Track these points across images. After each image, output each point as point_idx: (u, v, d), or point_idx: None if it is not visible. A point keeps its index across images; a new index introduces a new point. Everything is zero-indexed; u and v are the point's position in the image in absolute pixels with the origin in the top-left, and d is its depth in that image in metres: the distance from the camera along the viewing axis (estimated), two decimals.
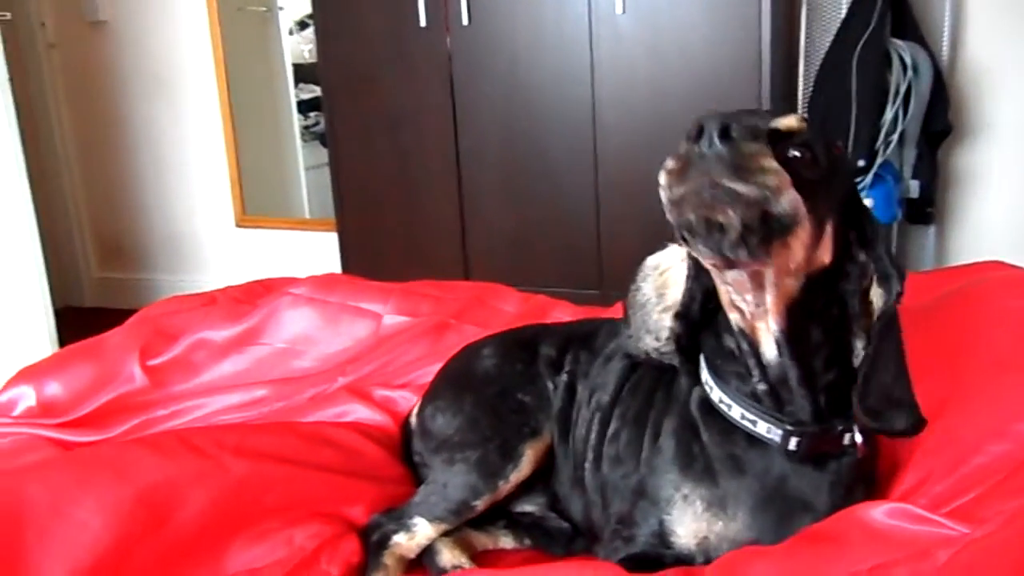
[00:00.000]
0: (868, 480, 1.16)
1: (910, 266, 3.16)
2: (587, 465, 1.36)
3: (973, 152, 3.29)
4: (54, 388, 1.80)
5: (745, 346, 1.09)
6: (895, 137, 2.97)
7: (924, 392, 1.20)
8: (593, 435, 1.36)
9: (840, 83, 2.98)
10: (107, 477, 1.26)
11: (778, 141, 0.96)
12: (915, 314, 1.22)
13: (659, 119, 3.12)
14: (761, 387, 1.09)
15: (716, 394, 1.14)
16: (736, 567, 0.99)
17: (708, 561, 1.10)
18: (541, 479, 1.43)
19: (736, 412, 1.11)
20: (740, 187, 0.89)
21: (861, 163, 2.94)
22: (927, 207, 3.15)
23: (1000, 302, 1.39)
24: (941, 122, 3.06)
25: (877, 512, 0.94)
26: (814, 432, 1.08)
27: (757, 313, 1.05)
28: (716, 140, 0.89)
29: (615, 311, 1.85)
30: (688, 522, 1.13)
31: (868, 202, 2.94)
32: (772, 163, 0.91)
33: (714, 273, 1.06)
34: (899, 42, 2.96)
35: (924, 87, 2.96)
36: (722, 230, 0.91)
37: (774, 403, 1.09)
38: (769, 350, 1.07)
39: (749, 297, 1.03)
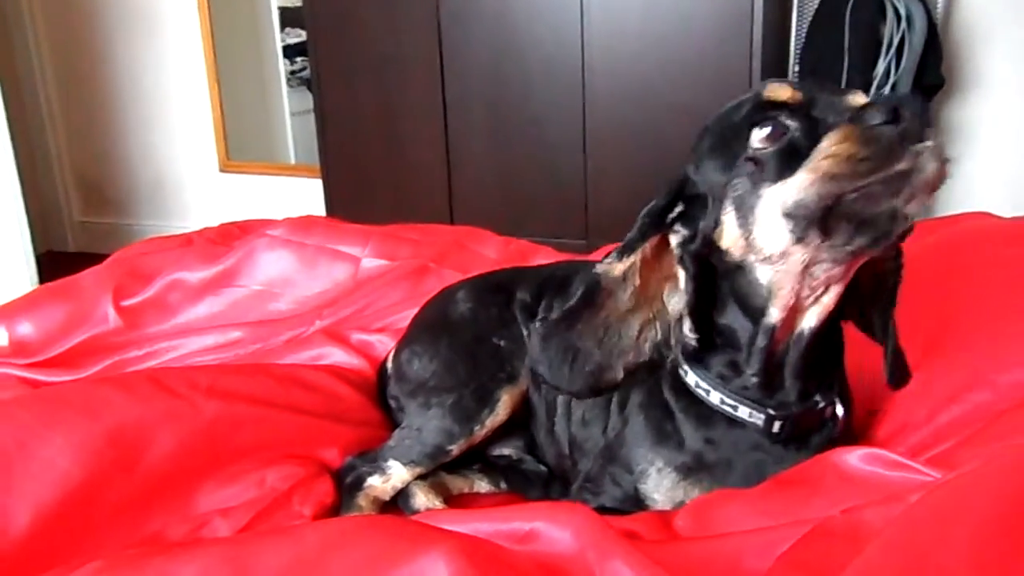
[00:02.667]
0: (850, 442, 1.13)
1: None
2: (557, 419, 1.36)
3: (964, 106, 3.26)
4: (26, 328, 1.77)
5: (763, 343, 1.02)
6: (887, 89, 2.93)
7: (908, 341, 1.19)
8: None
9: (833, 34, 2.93)
10: (75, 416, 1.23)
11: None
12: None
13: (649, 66, 3.07)
14: (754, 379, 1.05)
15: (692, 378, 1.09)
16: (709, 509, 0.98)
17: None
18: (519, 423, 1.42)
19: (715, 397, 1.07)
20: (938, 169, 0.85)
21: None
22: None
23: (984, 251, 1.38)
24: (934, 75, 3.02)
25: (852, 457, 0.93)
26: (797, 412, 1.05)
27: (813, 305, 1.00)
28: (910, 117, 0.84)
29: (596, 256, 1.83)
30: (664, 490, 1.12)
31: None
32: None
33: (794, 275, 0.96)
34: None
35: (918, 39, 2.92)
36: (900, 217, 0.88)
37: (764, 392, 1.05)
38: (795, 344, 1.02)
39: (834, 289, 0.98)
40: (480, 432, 1.34)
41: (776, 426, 1.05)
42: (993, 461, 0.68)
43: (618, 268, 1.04)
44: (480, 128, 3.38)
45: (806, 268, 0.94)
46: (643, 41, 3.05)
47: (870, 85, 2.92)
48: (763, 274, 0.97)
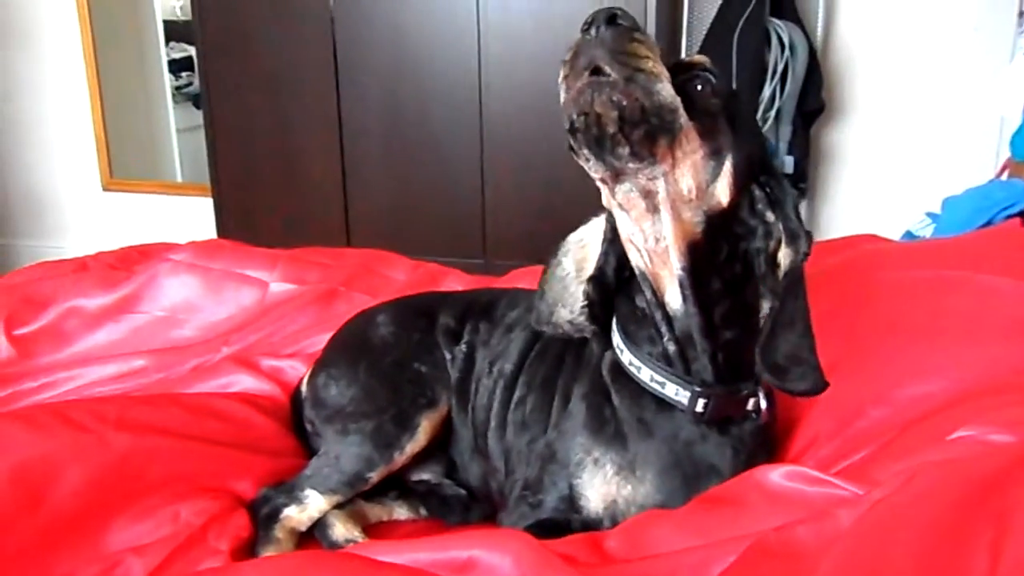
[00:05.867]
0: (768, 446, 1.19)
1: None
2: (490, 432, 1.35)
3: (841, 130, 3.43)
4: None
5: (650, 295, 1.09)
6: (772, 114, 3.06)
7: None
8: (496, 403, 1.35)
9: (721, 60, 3.05)
10: None
11: (680, 72, 0.99)
12: None
13: (545, 89, 3.10)
14: (671, 347, 1.10)
15: (627, 356, 1.14)
16: (639, 530, 1.00)
17: (615, 523, 1.11)
18: (438, 447, 1.42)
19: (646, 374, 1.12)
20: (616, 69, 0.92)
21: None
22: (801, 182, 3.27)
23: (878, 273, 1.46)
24: (815, 100, 3.18)
25: (775, 475, 0.97)
26: (720, 394, 1.10)
27: (657, 251, 1.05)
28: (602, 26, 0.93)
29: (508, 280, 1.85)
30: (598, 485, 1.14)
31: None
32: (648, 52, 0.94)
33: (607, 198, 1.05)
34: (777, 21, 3.05)
35: (800, 66, 3.07)
36: (602, 123, 0.93)
37: (682, 363, 1.10)
38: (673, 297, 1.08)
39: (647, 226, 1.03)
40: (400, 459, 1.33)
41: (700, 404, 1.09)
42: (917, 480, 0.73)
43: (573, 235, 1.22)
44: (376, 147, 3.37)
45: (612, 197, 1.03)
46: (539, 61, 3.10)
47: (757, 109, 3.04)
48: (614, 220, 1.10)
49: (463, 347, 1.42)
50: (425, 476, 1.46)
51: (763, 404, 1.13)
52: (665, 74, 0.95)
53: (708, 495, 1.04)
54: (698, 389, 1.09)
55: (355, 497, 1.36)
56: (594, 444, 1.16)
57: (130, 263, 1.92)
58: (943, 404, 1.12)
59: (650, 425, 1.13)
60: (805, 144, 3.25)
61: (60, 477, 1.18)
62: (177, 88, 4.18)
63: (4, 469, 1.16)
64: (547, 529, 1.12)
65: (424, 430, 1.34)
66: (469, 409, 1.39)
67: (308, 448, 1.47)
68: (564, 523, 1.14)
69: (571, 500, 1.15)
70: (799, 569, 0.69)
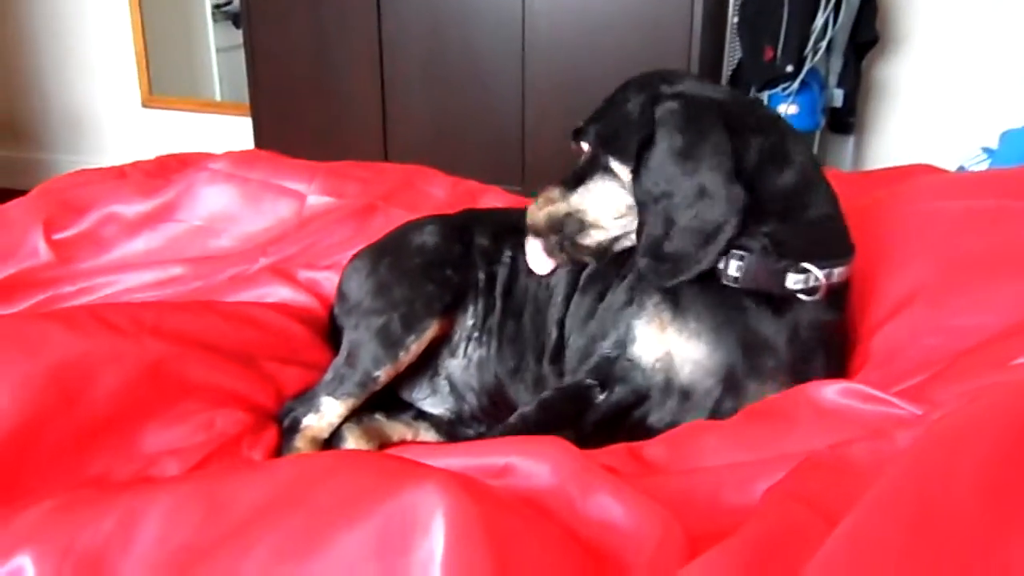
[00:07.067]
0: (830, 351, 1.16)
1: None
2: (559, 300, 1.34)
3: (894, 62, 3.32)
4: None
5: None
6: (824, 44, 2.96)
7: (865, 288, 1.21)
8: (563, 281, 1.35)
9: None
10: (14, 352, 1.16)
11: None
12: (851, 214, 1.23)
13: (590, 12, 3.04)
14: None
15: None
16: (684, 440, 0.98)
17: (670, 382, 1.11)
18: (452, 386, 1.42)
19: None
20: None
21: (789, 68, 2.93)
22: (849, 116, 3.18)
23: (935, 203, 1.40)
24: (869, 32, 3.06)
25: (828, 390, 0.94)
26: (756, 262, 1.08)
27: None
28: None
29: None
30: (654, 331, 1.14)
31: (793, 108, 2.97)
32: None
33: None
34: None
35: None
36: None
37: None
38: None
39: None
40: (405, 358, 1.32)
41: (733, 266, 1.09)
42: (983, 399, 0.69)
43: None
44: (417, 68, 3.31)
45: None
46: None
47: (807, 39, 2.94)
48: None
49: (506, 260, 1.41)
50: (439, 411, 1.44)
51: (795, 285, 1.09)
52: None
53: (756, 408, 1.01)
54: (737, 252, 1.08)
55: (374, 413, 1.35)
56: (658, 293, 1.15)
57: (168, 171, 1.89)
58: (1000, 335, 1.08)
59: (706, 287, 1.11)
60: (856, 77, 3.14)
61: (97, 377, 1.18)
62: (216, 6, 4.13)
63: (43, 366, 1.15)
64: (598, 375, 1.15)
65: (431, 332, 1.34)
66: (525, 304, 1.38)
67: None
68: (614, 359, 1.15)
69: (624, 344, 1.15)
70: (852, 484, 0.66)
